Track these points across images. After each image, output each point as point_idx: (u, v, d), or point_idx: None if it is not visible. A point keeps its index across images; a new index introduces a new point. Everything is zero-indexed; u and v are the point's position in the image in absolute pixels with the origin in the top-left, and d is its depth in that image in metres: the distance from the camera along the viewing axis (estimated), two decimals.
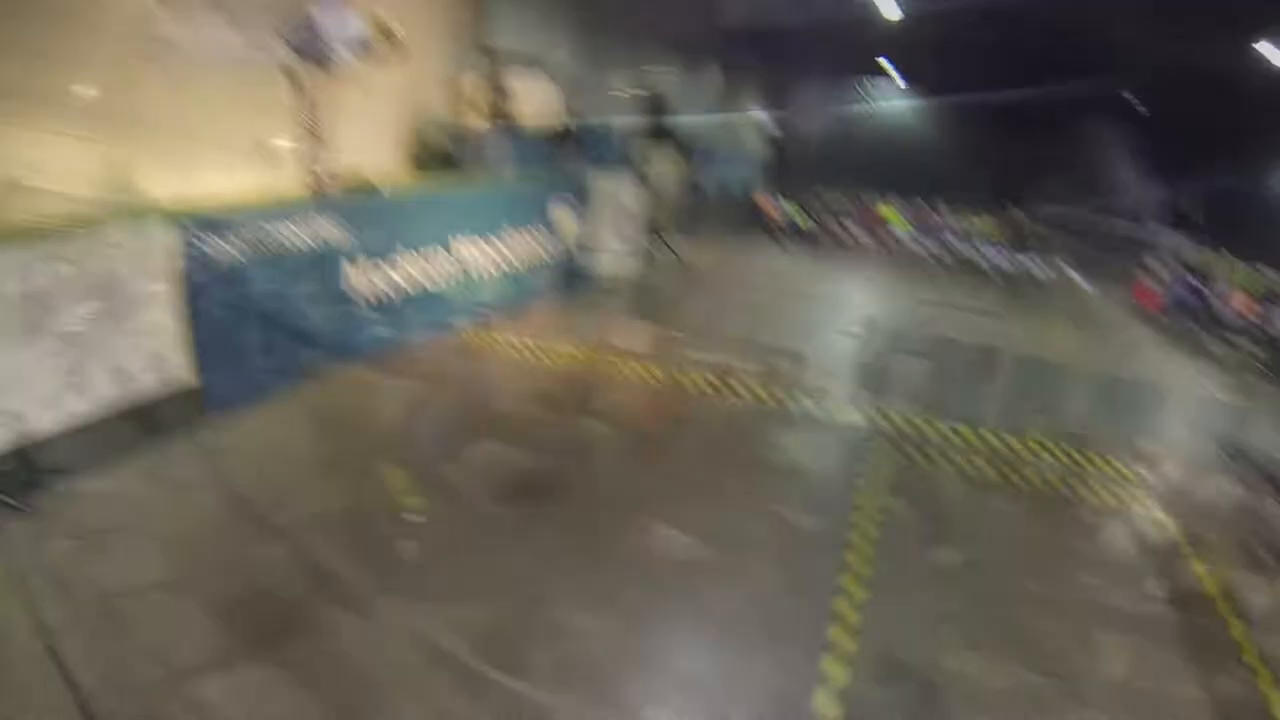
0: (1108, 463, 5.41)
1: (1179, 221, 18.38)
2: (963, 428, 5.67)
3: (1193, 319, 11.09)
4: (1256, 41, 11.75)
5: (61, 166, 6.40)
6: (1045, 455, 5.44)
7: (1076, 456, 5.45)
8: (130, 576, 3.14)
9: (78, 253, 3.85)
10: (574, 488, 4.26)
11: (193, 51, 7.37)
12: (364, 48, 6.26)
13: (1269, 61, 11.90)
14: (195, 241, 4.42)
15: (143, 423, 4.19)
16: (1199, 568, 4.13)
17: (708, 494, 4.32)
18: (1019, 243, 13.87)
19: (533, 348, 6.66)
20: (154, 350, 4.24)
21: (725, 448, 5.07)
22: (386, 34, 6.21)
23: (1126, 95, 18.59)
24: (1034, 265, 12.44)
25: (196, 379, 4.49)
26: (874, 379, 6.80)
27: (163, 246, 4.23)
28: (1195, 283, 11.52)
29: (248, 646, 2.82)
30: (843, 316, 9.41)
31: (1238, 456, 4.42)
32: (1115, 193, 19.66)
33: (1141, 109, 18.59)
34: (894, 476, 4.82)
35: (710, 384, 6.17)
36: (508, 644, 2.97)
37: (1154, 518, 4.71)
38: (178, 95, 7.29)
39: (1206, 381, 8.61)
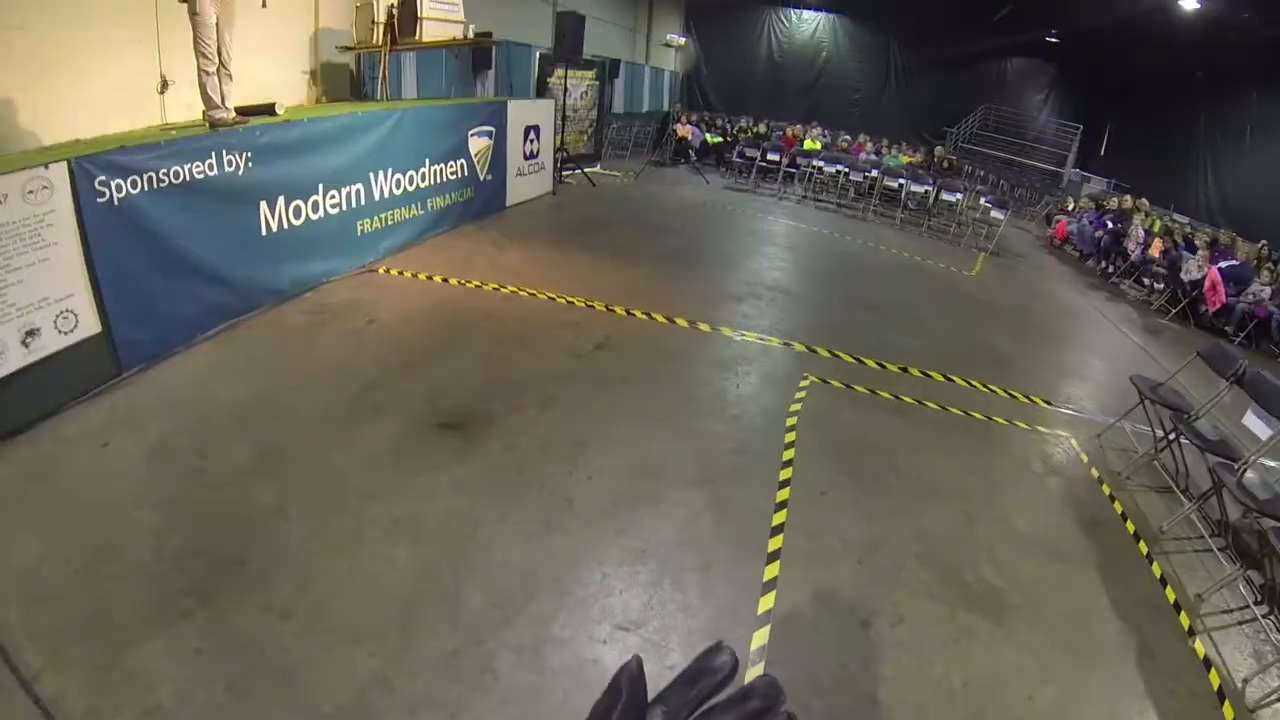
0: (1025, 396, 5.65)
1: (1101, 169, 19.28)
2: (871, 359, 5.85)
3: (1104, 259, 11.75)
4: None
5: None
6: (960, 385, 5.66)
7: (994, 389, 5.68)
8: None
9: None
10: (495, 422, 4.36)
11: None
12: None
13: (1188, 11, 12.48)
14: (92, 182, 4.18)
15: (50, 381, 4.00)
16: (1107, 492, 4.41)
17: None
18: (939, 175, 14.30)
19: (442, 280, 6.61)
20: (55, 301, 4.04)
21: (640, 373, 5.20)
22: None
23: (1052, 39, 19.07)
24: (950, 196, 12.81)
25: (103, 329, 4.29)
26: (771, 307, 7.02)
27: (58, 189, 4.02)
28: (1111, 224, 12.09)
29: None
30: (748, 243, 9.52)
31: (1143, 386, 4.87)
32: (1039, 134, 20.41)
33: (1058, 44, 19.13)
34: (811, 403, 5.07)
35: (630, 311, 6.28)
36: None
37: (1068, 446, 4.95)
38: (69, 28, 6.99)
39: (1116, 318, 9.06)
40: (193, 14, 5.40)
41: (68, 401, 4.08)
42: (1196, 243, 10.73)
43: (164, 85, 8.12)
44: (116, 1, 7.49)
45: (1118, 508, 4.28)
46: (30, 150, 5.44)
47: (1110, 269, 11.53)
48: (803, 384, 5.20)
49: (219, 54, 5.57)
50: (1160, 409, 4.73)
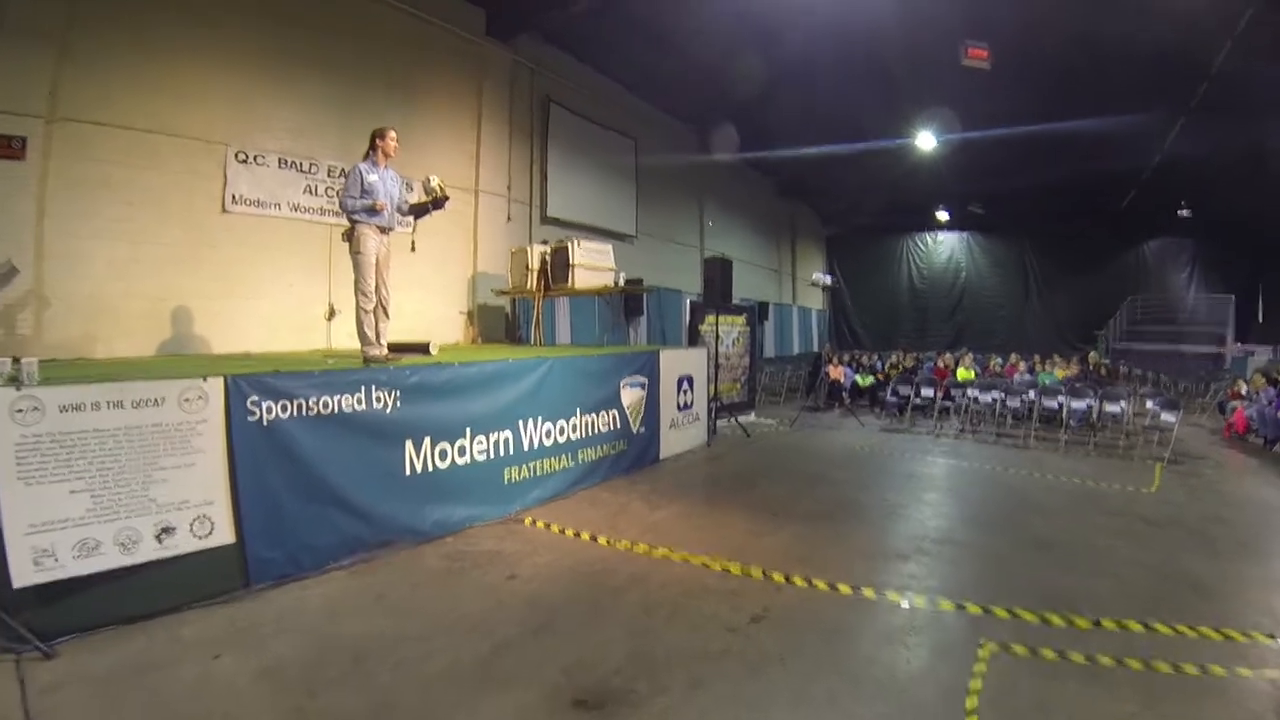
0: (1242, 634, 5.00)
1: (1261, 334, 18.66)
2: (1072, 616, 5.37)
3: None
4: None
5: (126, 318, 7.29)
6: (1163, 632, 5.08)
7: (1203, 630, 5.09)
8: None
9: (128, 398, 4.31)
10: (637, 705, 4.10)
11: (264, 212, 8.49)
12: (414, 210, 6.95)
13: None
14: (245, 401, 4.81)
15: (177, 580, 4.43)
16: None
17: None
18: (1097, 383, 13.84)
19: (590, 537, 6.65)
20: (194, 505, 4.52)
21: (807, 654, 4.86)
22: (432, 194, 6.83)
23: (1184, 212, 19.25)
24: (1113, 407, 12.21)
25: (237, 541, 4.72)
26: (938, 562, 6.58)
27: (212, 401, 4.63)
28: None
29: None
30: (908, 489, 9.27)
31: None
32: (1191, 315, 20.15)
33: (1190, 216, 19.34)
34: (993, 677, 4.54)
35: (789, 578, 6.02)
36: None
37: None
38: (253, 251, 8.33)
39: None
40: (355, 253, 6.31)
41: (192, 603, 4.47)
42: None
43: (331, 313, 9.31)
44: (297, 234, 9.00)
45: None
46: (194, 356, 6.17)
47: None
48: (980, 653, 4.65)
49: (377, 292, 6.33)
50: None
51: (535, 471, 7.39)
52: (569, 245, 10.30)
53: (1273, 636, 4.96)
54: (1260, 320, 19.70)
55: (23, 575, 3.93)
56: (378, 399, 5.73)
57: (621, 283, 10.94)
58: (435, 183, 6.76)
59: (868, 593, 5.72)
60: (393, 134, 6.43)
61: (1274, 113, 12.62)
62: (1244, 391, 13.87)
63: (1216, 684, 4.38)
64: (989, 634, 4.98)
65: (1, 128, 6.76)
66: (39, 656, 3.87)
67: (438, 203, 6.85)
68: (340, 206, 6.29)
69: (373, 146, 6.41)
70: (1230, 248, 20.18)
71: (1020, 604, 5.46)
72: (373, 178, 6.26)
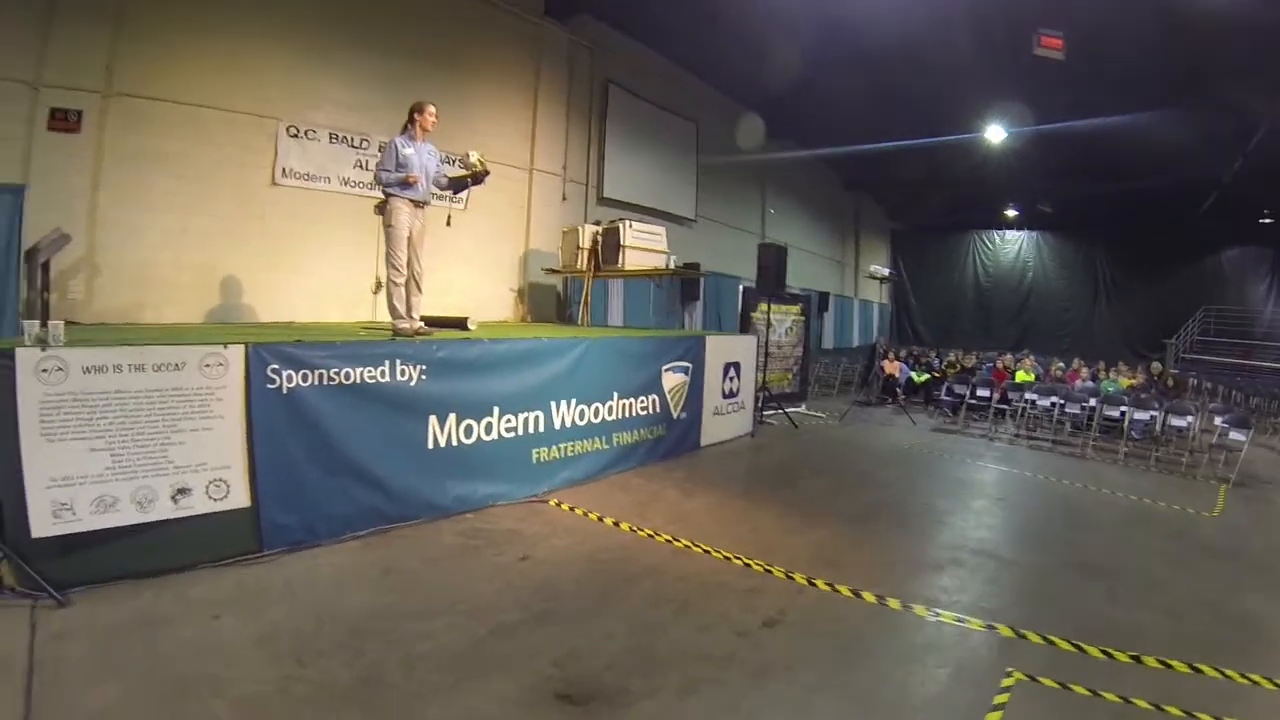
0: None
1: None
2: (1093, 646, 5.03)
3: None
4: None
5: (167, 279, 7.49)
6: (1210, 676, 4.70)
7: (1255, 678, 4.66)
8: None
9: (150, 362, 4.42)
10: (623, 705, 3.99)
11: (314, 185, 8.62)
12: (454, 183, 6.94)
13: None
14: (265, 368, 4.88)
15: (190, 540, 4.58)
16: None
17: None
18: (1163, 394, 13.17)
19: (613, 523, 6.57)
20: (211, 468, 4.63)
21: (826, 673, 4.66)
22: (472, 169, 6.80)
23: (1266, 219, 18.18)
24: (1179, 421, 11.60)
25: (252, 505, 4.81)
26: (975, 576, 6.27)
27: (232, 367, 4.72)
28: None
29: None
30: (954, 495, 8.92)
31: None
32: (1268, 330, 19.21)
33: (1273, 224, 18.31)
34: (1015, 713, 4.25)
35: (812, 581, 5.83)
36: None
37: None
38: (301, 224, 8.47)
39: None
40: (387, 225, 6.34)
41: (204, 563, 4.61)
42: None
43: (378, 286, 9.41)
44: (346, 207, 9.13)
45: None
46: (237, 325, 6.32)
47: None
48: (1005, 682, 4.31)
49: (409, 266, 6.33)
50: None
51: (565, 453, 7.33)
52: (620, 226, 10.22)
53: None
54: None
55: (42, 526, 4.05)
56: (402, 372, 5.72)
57: (673, 266, 10.84)
58: (475, 158, 6.73)
59: (893, 603, 5.46)
60: (431, 108, 6.42)
61: None
62: None
63: None
64: (1018, 660, 4.64)
65: (58, 102, 7.02)
66: (53, 604, 4.00)
67: (477, 178, 6.84)
68: (375, 179, 6.34)
69: (410, 120, 6.42)
70: None
71: (1057, 630, 5.08)
72: (408, 151, 6.27)
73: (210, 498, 4.58)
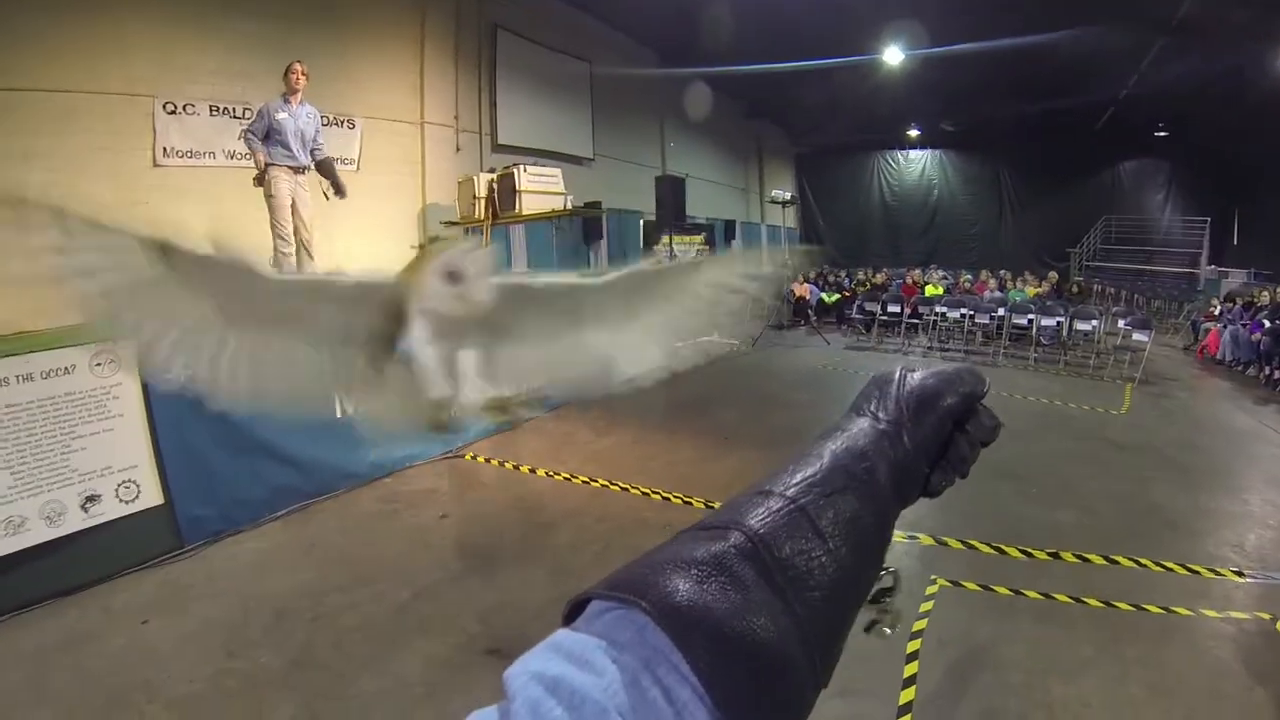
0: (1209, 570, 4.81)
1: (1235, 257, 18.63)
2: (1013, 548, 5.33)
3: (1267, 364, 10.95)
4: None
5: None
6: (1126, 566, 5.03)
7: (1168, 565, 4.87)
8: None
9: (36, 370, 4.23)
10: None
11: (199, 162, 8.21)
12: (321, 167, 6.73)
13: None
14: None
15: (108, 547, 4.42)
16: None
17: None
18: (1069, 302, 13.92)
19: (529, 470, 6.65)
20: (117, 470, 4.48)
21: None
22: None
23: (1162, 133, 19.08)
24: (1085, 325, 12.28)
25: (165, 502, 4.68)
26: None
27: (125, 363, 4.49)
28: (1268, 322, 11.32)
29: None
30: None
31: None
32: (1166, 237, 20.19)
33: (1168, 137, 19.18)
34: (939, 618, 4.48)
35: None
36: None
37: (1274, 634, 4.07)
38: (182, 206, 8.06)
39: None
40: (268, 196, 6.16)
41: (125, 569, 4.45)
42: None
43: (271, 259, 9.03)
44: (236, 182, 8.50)
45: None
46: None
47: (1277, 374, 10.64)
48: (929, 591, 4.54)
49: (296, 235, 6.15)
50: None
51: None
52: (515, 171, 10.06)
53: (1241, 574, 4.80)
54: (1235, 244, 19.42)
55: None
56: None
57: (571, 206, 10.75)
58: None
59: None
60: (298, 66, 6.24)
61: (1254, 36, 12.18)
62: (1217, 312, 13.75)
63: (1179, 624, 4.22)
64: (941, 568, 4.82)
65: None
66: None
67: (338, 189, 6.74)
68: (251, 145, 6.19)
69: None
70: (1207, 171, 19.77)
71: (976, 535, 5.27)
72: (281, 115, 6.07)
73: (121, 501, 4.46)
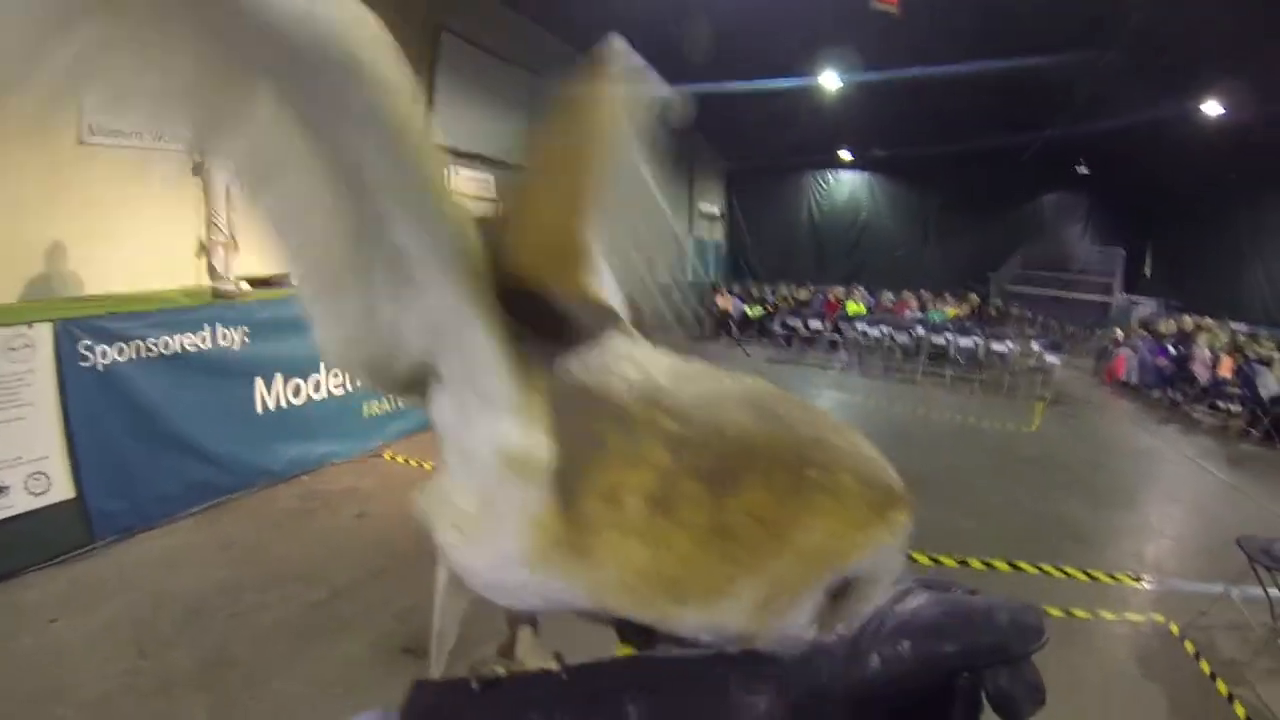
0: (1109, 575, 5.18)
1: (1146, 288, 19.92)
2: (922, 554, 5.48)
3: (1170, 388, 11.73)
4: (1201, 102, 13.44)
5: None
6: (1029, 573, 5.20)
7: (1070, 571, 5.20)
8: None
9: None
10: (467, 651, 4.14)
11: (127, 142, 7.88)
12: None
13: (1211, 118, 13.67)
14: (77, 345, 4.54)
15: (16, 542, 4.24)
16: (1225, 692, 3.86)
17: None
18: (985, 324, 14.57)
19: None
20: (27, 461, 4.32)
21: None
22: None
23: (1080, 168, 20.09)
24: (1001, 346, 12.89)
25: (77, 495, 4.52)
26: None
27: (40, 349, 4.38)
28: (1173, 348, 12.16)
29: None
30: None
31: (1253, 549, 4.27)
32: (1083, 266, 21.23)
33: (1089, 174, 20.19)
34: None
35: None
36: None
37: (1166, 634, 4.42)
38: (107, 190, 7.74)
39: (1195, 454, 8.82)
40: (206, 184, 5.96)
41: (33, 565, 4.25)
42: (1260, 350, 10.77)
43: (200, 248, 8.74)
44: (167, 164, 8.28)
45: (1240, 712, 3.68)
46: (18, 305, 5.80)
47: (1179, 397, 11.42)
48: None
49: (229, 224, 6.01)
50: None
51: (396, 404, 7.21)
52: (458, 176, 10.11)
53: (1139, 579, 5.14)
54: (1148, 275, 20.57)
55: None
56: (224, 336, 5.50)
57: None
58: None
59: None
60: None
61: (1171, 87, 12.90)
62: (1121, 339, 14.38)
63: (1079, 626, 4.44)
64: None
65: None
66: None
67: None
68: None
69: None
70: (1123, 207, 20.80)
71: None
72: None
73: (30, 493, 4.30)
